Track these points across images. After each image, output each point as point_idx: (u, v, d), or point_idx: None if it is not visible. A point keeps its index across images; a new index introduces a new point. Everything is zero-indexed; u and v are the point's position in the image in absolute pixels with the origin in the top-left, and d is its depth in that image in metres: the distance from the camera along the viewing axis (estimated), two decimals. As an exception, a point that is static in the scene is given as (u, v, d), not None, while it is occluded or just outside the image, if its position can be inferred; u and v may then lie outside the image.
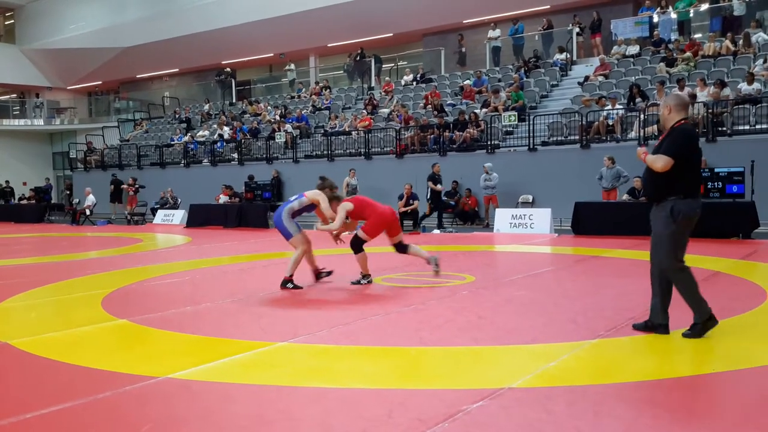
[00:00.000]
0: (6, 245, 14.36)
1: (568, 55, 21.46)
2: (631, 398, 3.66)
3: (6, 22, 37.12)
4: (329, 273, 8.15)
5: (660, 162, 4.73)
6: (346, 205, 7.71)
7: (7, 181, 28.70)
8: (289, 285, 7.43)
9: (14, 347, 4.98)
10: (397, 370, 4.29)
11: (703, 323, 4.81)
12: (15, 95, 37.99)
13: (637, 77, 18.04)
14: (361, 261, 7.89)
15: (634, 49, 19.96)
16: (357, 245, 7.82)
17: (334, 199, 7.79)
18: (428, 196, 16.30)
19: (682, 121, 4.87)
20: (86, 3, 33.08)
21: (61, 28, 33.92)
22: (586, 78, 19.32)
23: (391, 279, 8.11)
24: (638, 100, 16.31)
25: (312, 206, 7.65)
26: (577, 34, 21.62)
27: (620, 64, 19.45)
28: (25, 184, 31.82)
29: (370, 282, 7.84)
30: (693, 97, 15.30)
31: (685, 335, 4.81)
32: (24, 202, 27.28)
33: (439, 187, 16.14)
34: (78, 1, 33.37)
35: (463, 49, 25.19)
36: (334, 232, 7.86)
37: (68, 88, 37.25)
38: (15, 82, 35.74)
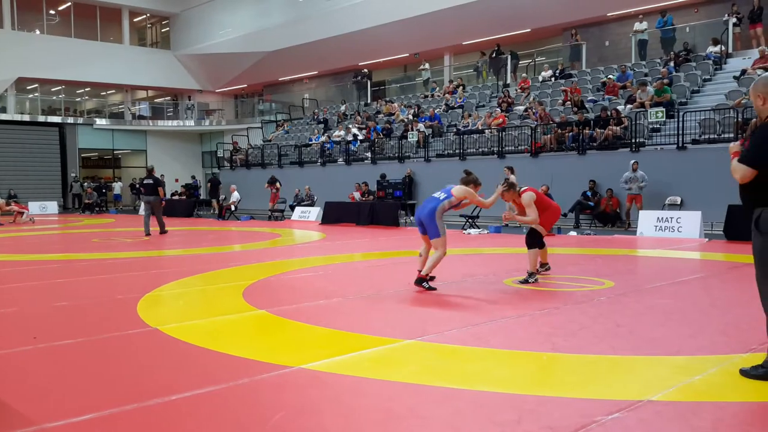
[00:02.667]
0: (160, 237, 15.52)
1: (723, 48, 19.93)
2: (791, 421, 3.32)
3: (162, 30, 40.18)
4: (433, 278, 7.72)
5: (737, 173, 3.97)
6: (531, 195, 7.84)
7: (161, 175, 31.11)
8: (425, 285, 7.31)
9: (163, 333, 5.34)
10: (528, 376, 4.16)
11: None
12: (169, 98, 41.07)
13: (802, 69, 16.44)
14: (533, 258, 7.82)
15: (800, 39, 18.20)
16: (534, 240, 7.80)
17: (511, 188, 7.93)
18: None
19: None
20: (234, 10, 35.09)
21: (210, 34, 36.24)
22: (743, 72, 17.82)
23: (522, 281, 7.91)
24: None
25: (459, 204, 7.57)
26: (734, 24, 20.02)
27: (784, 56, 17.79)
28: (177, 180, 34.36)
29: (536, 281, 7.70)
30: None
31: (742, 372, 3.98)
32: (176, 197, 29.37)
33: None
34: (226, 8, 35.48)
35: (607, 43, 24.12)
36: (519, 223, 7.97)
37: (216, 91, 39.74)
38: (169, 85, 38.67)
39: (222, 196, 25.57)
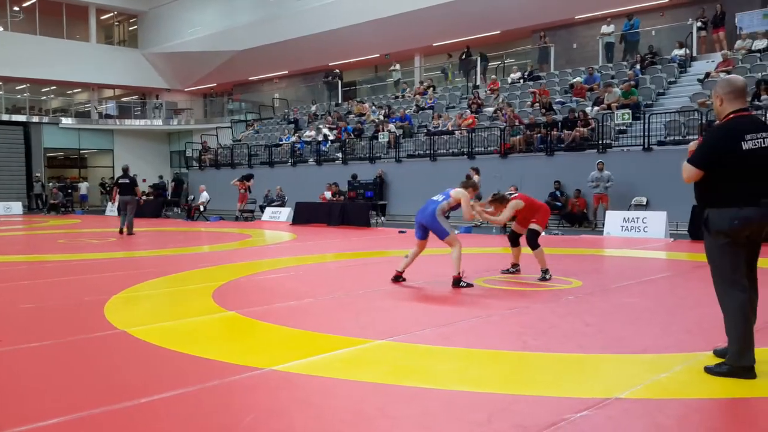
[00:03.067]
0: (129, 238, 15.30)
1: (688, 51, 20.33)
2: (749, 415, 3.40)
3: (130, 28, 39.61)
4: (404, 279, 7.96)
5: (684, 173, 4.07)
6: (517, 203, 8.11)
7: (134, 175, 30.63)
8: (462, 284, 7.42)
9: (131, 335, 5.27)
10: (498, 375, 4.19)
11: (734, 369, 3.94)
12: (137, 97, 40.49)
13: (763, 73, 16.83)
14: (540, 256, 8.08)
15: (761, 44, 18.63)
16: (534, 240, 8.05)
17: (498, 200, 8.27)
18: None
19: (736, 114, 4.01)
20: (203, 8, 34.74)
21: (179, 33, 35.83)
22: (707, 75, 18.21)
23: (492, 281, 7.97)
24: (764, 96, 15.21)
25: (458, 205, 7.77)
26: (699, 28, 20.43)
27: (745, 60, 18.21)
28: (144, 180, 33.85)
29: (550, 277, 7.97)
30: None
31: (706, 369, 4.06)
32: (144, 198, 28.92)
33: None
34: (195, 6, 35.11)
35: (575, 45, 24.44)
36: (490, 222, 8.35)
37: (185, 90, 39.31)
38: (137, 84, 38.07)
39: (191, 197, 25.26)
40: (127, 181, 16.02)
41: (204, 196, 23.24)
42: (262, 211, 23.20)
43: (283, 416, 3.44)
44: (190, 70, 36.78)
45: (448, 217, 7.69)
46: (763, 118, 14.43)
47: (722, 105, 4.09)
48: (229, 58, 34.15)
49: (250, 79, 36.91)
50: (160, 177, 31.78)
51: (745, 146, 3.90)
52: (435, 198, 7.75)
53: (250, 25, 32.01)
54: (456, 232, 8.21)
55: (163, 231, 18.25)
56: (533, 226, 8.15)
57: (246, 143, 29.56)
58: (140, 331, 5.35)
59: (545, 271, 8.05)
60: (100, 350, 4.84)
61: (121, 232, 15.68)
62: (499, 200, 8.31)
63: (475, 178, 17.33)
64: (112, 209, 27.55)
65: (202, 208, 23.30)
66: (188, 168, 31.28)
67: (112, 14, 38.90)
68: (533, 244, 8.08)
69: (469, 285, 7.44)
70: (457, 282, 7.44)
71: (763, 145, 3.92)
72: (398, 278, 7.86)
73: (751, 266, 4.10)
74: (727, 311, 4.04)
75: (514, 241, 8.66)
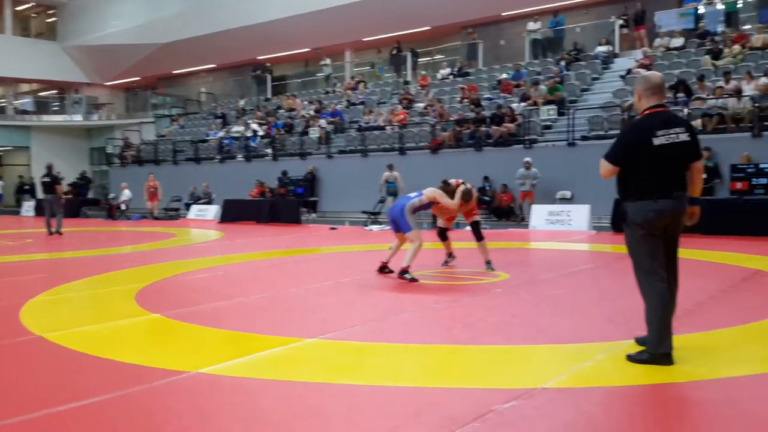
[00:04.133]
0: (43, 238, 14.66)
1: (611, 48, 21.02)
2: (668, 400, 3.53)
3: (48, 20, 37.93)
4: (391, 271, 8.05)
5: (600, 168, 4.26)
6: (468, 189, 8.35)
7: (58, 172, 29.36)
8: (407, 276, 7.52)
9: (48, 341, 5.02)
10: (428, 368, 4.22)
11: (654, 356, 4.07)
12: (55, 91, 38.80)
13: (681, 70, 17.58)
14: (485, 247, 8.45)
15: (678, 42, 19.44)
16: (479, 231, 8.40)
17: (468, 197, 8.36)
18: None
19: (651, 110, 4.15)
20: (125, 0, 33.61)
21: (100, 25, 34.50)
22: (629, 71, 18.88)
23: (423, 276, 8.02)
24: (680, 95, 15.88)
25: (430, 204, 8.00)
26: (621, 26, 21.15)
27: (664, 57, 18.98)
28: (63, 179, 32.46)
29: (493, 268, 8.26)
30: (739, 91, 14.86)
31: (628, 357, 4.18)
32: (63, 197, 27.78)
33: None
34: (118, -3, 33.96)
35: (502, 42, 24.91)
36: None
37: (106, 84, 37.92)
38: (55, 78, 36.50)
39: (111, 195, 24.42)
40: (48, 179, 15.61)
41: (126, 194, 22.50)
42: (188, 209, 22.65)
43: (210, 421, 3.35)
44: (111, 64, 35.49)
45: (414, 213, 7.83)
46: (681, 115, 15.09)
47: (640, 101, 4.22)
48: (153, 51, 33.13)
49: (175, 72, 35.94)
50: (83, 173, 30.64)
51: (656, 141, 4.04)
52: (410, 195, 8.03)
53: (175, 17, 31.14)
54: (386, 227, 8.30)
55: (83, 231, 17.58)
56: (477, 217, 8.50)
57: (171, 139, 28.79)
58: (58, 336, 5.11)
59: (489, 262, 8.34)
60: (14, 357, 4.60)
61: (50, 233, 15.17)
62: (449, 187, 8.37)
63: (387, 174, 17.67)
64: (28, 209, 26.37)
65: (123, 207, 22.55)
66: (109, 165, 30.23)
67: (29, 5, 37.15)
68: (481, 235, 8.38)
69: (414, 280, 7.46)
70: (403, 272, 7.52)
71: (675, 141, 4.06)
72: (383, 269, 8.06)
73: (670, 257, 4.24)
74: (646, 300, 4.17)
75: (443, 235, 8.84)
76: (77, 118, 36.00)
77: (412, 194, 7.98)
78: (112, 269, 9.16)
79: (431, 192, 7.92)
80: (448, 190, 8.09)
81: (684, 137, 4.09)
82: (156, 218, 21.50)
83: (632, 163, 4.13)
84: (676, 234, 4.22)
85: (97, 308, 6.49)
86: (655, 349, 4.08)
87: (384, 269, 8.08)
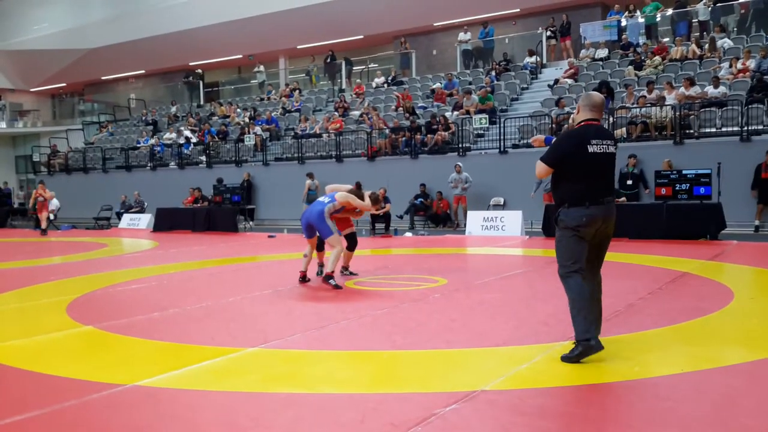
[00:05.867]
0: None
1: (538, 58, 21.65)
2: (603, 399, 3.68)
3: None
4: (308, 280, 8.17)
5: (537, 168, 4.58)
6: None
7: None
8: (332, 282, 7.58)
9: (-26, 356, 4.82)
10: (369, 375, 4.25)
11: (582, 345, 4.28)
12: (-24, 98, 37.06)
13: (605, 80, 18.26)
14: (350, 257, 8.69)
15: (603, 53, 20.22)
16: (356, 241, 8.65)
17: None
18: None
19: (586, 122, 4.48)
20: (50, 3, 32.47)
21: (23, 29, 33.22)
22: (556, 81, 19.51)
23: (363, 282, 8.06)
24: (604, 95, 16.47)
25: (342, 208, 8.01)
26: (548, 37, 21.82)
27: (589, 67, 19.69)
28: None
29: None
30: (662, 99, 15.54)
31: (562, 358, 4.35)
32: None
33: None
34: (42, 1, 32.73)
35: (434, 52, 25.29)
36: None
37: (31, 90, 36.49)
38: (-24, 83, 34.93)
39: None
40: None
41: (54, 203, 21.66)
42: (119, 219, 22.01)
43: (148, 434, 3.28)
44: (36, 69, 34.16)
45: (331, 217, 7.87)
46: (606, 122, 15.67)
47: (579, 114, 4.57)
48: (79, 57, 32.12)
49: (103, 78, 34.93)
50: (5, 183, 29.35)
51: (590, 149, 4.35)
52: (321, 199, 8.00)
53: (102, 22, 30.31)
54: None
55: (10, 242, 16.83)
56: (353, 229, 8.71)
57: (100, 146, 27.93)
58: (-16, 353, 4.91)
59: (346, 268, 8.66)
60: (-64, 376, 4.39)
61: None
62: (360, 191, 8.54)
63: (309, 182, 17.85)
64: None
65: (51, 217, 21.71)
66: (36, 173, 29.07)
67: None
68: (352, 245, 8.59)
69: (337, 287, 7.53)
70: (328, 278, 7.63)
71: (607, 151, 4.40)
72: (304, 279, 8.06)
73: (599, 259, 4.55)
74: (569, 295, 4.44)
75: (321, 245, 8.50)
76: (1, 126, 34.48)
77: (324, 199, 7.97)
78: (41, 281, 8.82)
79: (344, 197, 7.95)
80: (359, 194, 8.21)
81: (612, 149, 4.45)
82: (44, 231, 19.16)
83: (566, 168, 4.42)
84: (606, 237, 4.50)
85: (27, 321, 6.25)
86: (582, 335, 4.30)
87: (304, 279, 8.08)
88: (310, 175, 18.38)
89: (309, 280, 8.11)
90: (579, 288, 4.38)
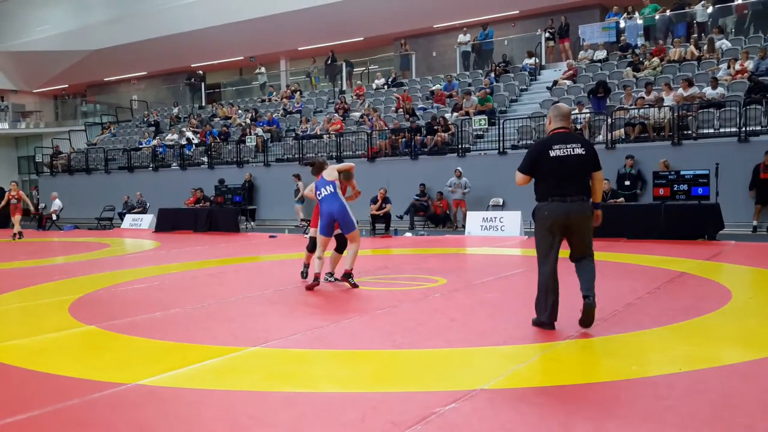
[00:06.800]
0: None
1: (537, 60, 21.69)
2: (601, 398, 3.71)
3: (-31, 25, 36.31)
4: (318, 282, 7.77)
5: (516, 177, 5.28)
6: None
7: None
8: (351, 280, 7.47)
9: (-22, 355, 4.86)
10: (370, 374, 4.29)
11: (536, 322, 5.28)
12: (-22, 98, 37.10)
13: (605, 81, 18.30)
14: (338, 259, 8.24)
15: (601, 54, 20.26)
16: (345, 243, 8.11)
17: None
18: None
19: (556, 131, 5.15)
20: (52, 5, 32.50)
21: (26, 31, 33.28)
22: (555, 82, 19.55)
23: (363, 282, 8.10)
24: (600, 94, 16.55)
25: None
26: (547, 38, 21.86)
27: (588, 69, 19.72)
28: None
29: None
30: (660, 100, 15.58)
31: (533, 321, 5.34)
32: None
33: None
34: (44, 3, 32.77)
35: (434, 53, 25.34)
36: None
37: (34, 91, 36.56)
38: (-22, 85, 34.99)
39: (42, 205, 23.50)
40: None
41: (56, 203, 21.75)
42: (122, 219, 22.07)
43: None
44: (39, 70, 34.23)
45: None
46: (605, 124, 15.71)
47: (550, 124, 5.26)
48: (82, 58, 32.18)
49: (105, 79, 35.00)
50: (13, 183, 29.41)
51: (552, 153, 5.03)
52: (326, 192, 7.50)
53: (105, 24, 30.36)
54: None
55: (12, 242, 16.88)
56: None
57: (102, 147, 28.00)
58: (-12, 352, 4.96)
59: (331, 273, 8.09)
60: (-59, 375, 4.44)
61: None
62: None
63: (299, 184, 18.07)
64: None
65: (54, 217, 21.79)
66: (38, 174, 29.15)
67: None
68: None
69: (355, 285, 7.50)
70: (347, 275, 7.47)
71: (571, 153, 5.02)
72: (348, 275, 7.54)
73: (581, 246, 5.17)
74: (539, 278, 5.23)
75: (342, 246, 8.18)
76: (3, 126, 34.54)
77: (326, 189, 7.50)
78: (44, 281, 8.88)
79: (331, 173, 7.59)
80: (324, 166, 7.80)
81: (579, 151, 5.04)
82: (17, 237, 17.40)
83: (537, 172, 5.13)
84: (580, 232, 5.12)
85: (29, 321, 6.30)
86: (539, 318, 5.26)
87: (317, 281, 7.51)
88: (297, 176, 18.69)
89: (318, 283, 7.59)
90: (544, 276, 5.17)
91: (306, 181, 18.10)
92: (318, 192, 7.61)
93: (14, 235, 17.46)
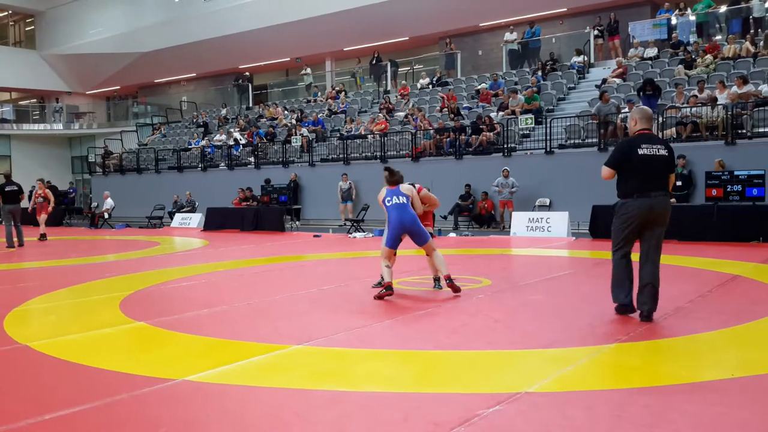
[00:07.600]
0: (26, 248, 14.50)
1: (586, 58, 21.33)
2: (650, 403, 3.62)
3: (27, 28, 37.59)
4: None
5: (602, 171, 5.63)
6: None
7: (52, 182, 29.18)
8: (455, 282, 7.06)
9: (33, 349, 5.02)
10: (413, 374, 4.27)
11: (616, 308, 5.68)
12: (35, 100, 38.37)
13: (655, 80, 17.87)
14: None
15: (652, 52, 19.80)
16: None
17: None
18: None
19: (641, 132, 5.51)
20: (105, 8, 33.43)
21: (80, 34, 34.30)
22: (604, 81, 19.18)
23: (406, 282, 8.09)
24: (649, 92, 16.19)
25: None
26: (596, 36, 21.48)
27: (638, 67, 19.30)
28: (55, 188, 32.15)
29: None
30: (714, 99, 15.14)
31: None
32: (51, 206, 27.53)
33: None
34: (97, 6, 33.73)
35: (480, 52, 25.16)
36: None
37: (87, 92, 37.64)
38: (35, 87, 36.18)
39: (94, 204, 24.17)
40: (15, 188, 14.65)
41: (108, 202, 22.36)
42: (171, 218, 22.55)
43: (197, 428, 3.38)
44: (92, 72, 35.26)
45: None
46: (656, 123, 15.34)
47: (636, 125, 5.60)
48: (133, 60, 33.00)
49: (156, 81, 35.80)
50: (71, 184, 30.51)
51: (640, 152, 5.38)
52: (396, 201, 7.12)
53: (156, 26, 31.06)
54: (369, 234, 7.96)
55: (66, 240, 17.42)
56: (430, 229, 7.79)
57: (153, 147, 28.66)
58: (43, 345, 5.11)
59: (437, 279, 7.64)
60: (1, 367, 4.59)
61: (11, 245, 14.29)
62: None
63: (342, 185, 18.25)
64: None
65: (106, 215, 22.40)
66: (91, 174, 30.03)
67: (6, 13, 36.79)
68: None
69: (458, 289, 7.04)
70: (450, 280, 6.99)
71: (656, 154, 5.38)
72: (450, 280, 7.03)
73: (653, 239, 5.42)
74: (614, 266, 5.60)
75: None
76: (58, 127, 35.66)
77: (397, 198, 7.11)
78: (96, 278, 9.13)
79: (409, 189, 7.24)
80: (398, 179, 7.37)
81: (663, 152, 5.43)
82: (42, 238, 16.50)
83: (624, 168, 5.44)
84: (657, 227, 5.41)
85: (82, 317, 6.48)
86: (614, 300, 5.66)
87: (390, 290, 6.99)
88: (345, 176, 19.11)
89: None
90: (617, 263, 5.57)
91: (364, 181, 18.40)
92: (388, 198, 7.19)
93: (40, 236, 16.58)
